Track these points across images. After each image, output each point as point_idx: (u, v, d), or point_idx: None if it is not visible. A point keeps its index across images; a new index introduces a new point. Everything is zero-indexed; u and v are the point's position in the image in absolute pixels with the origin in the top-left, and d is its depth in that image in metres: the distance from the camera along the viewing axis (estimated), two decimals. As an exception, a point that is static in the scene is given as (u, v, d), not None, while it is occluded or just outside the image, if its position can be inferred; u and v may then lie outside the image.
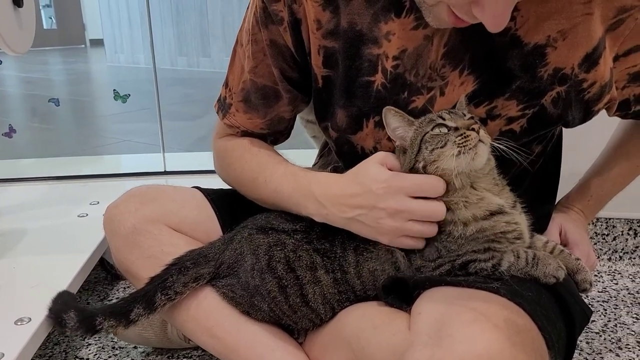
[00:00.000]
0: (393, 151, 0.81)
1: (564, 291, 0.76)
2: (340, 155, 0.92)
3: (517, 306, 0.66)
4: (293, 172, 0.86)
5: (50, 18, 9.71)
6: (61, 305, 0.91)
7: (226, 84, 0.95)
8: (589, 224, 1.51)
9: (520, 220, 0.78)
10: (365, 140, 0.86)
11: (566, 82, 0.77)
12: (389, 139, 0.81)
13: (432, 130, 0.75)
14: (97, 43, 8.81)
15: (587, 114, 0.81)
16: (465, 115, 0.76)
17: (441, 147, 0.73)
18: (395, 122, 0.78)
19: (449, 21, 0.70)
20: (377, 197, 0.75)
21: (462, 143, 0.72)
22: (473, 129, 0.72)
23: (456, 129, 0.74)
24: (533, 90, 0.77)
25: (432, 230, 0.75)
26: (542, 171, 0.92)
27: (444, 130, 0.74)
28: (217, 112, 0.97)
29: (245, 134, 0.96)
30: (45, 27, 9.56)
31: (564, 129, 0.90)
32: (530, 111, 0.79)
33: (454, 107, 0.79)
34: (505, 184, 0.80)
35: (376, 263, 0.79)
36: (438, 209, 0.74)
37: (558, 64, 0.76)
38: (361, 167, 0.79)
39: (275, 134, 0.97)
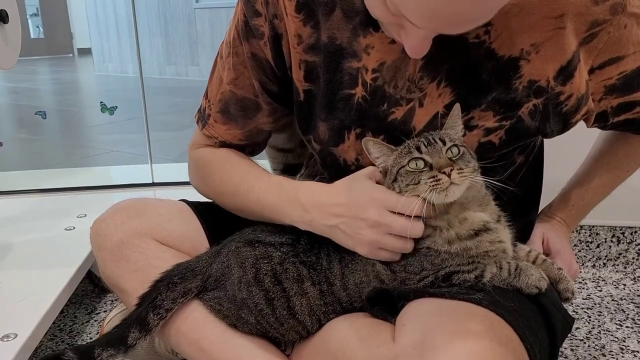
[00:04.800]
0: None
1: (546, 301, 0.77)
2: (325, 167, 0.93)
3: (499, 317, 0.67)
4: (277, 181, 0.87)
5: (38, 27, 9.64)
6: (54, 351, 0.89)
7: (206, 95, 0.96)
8: (573, 232, 1.52)
9: (504, 235, 0.79)
10: (347, 153, 0.87)
11: (542, 95, 0.78)
12: None
13: (408, 164, 0.75)
14: (85, 52, 8.76)
15: (565, 126, 0.83)
16: (445, 144, 0.75)
17: (414, 184, 0.74)
18: (375, 151, 0.80)
19: (393, 34, 0.73)
20: (360, 208, 0.76)
21: (433, 186, 0.73)
22: (444, 173, 0.72)
23: (431, 167, 0.74)
24: (509, 102, 0.79)
25: (407, 246, 0.77)
26: (524, 181, 0.94)
27: (420, 164, 0.75)
28: (197, 122, 0.98)
29: (223, 144, 0.97)
30: (32, 36, 9.48)
31: (544, 139, 0.92)
32: (507, 122, 0.80)
33: (441, 117, 0.80)
34: (491, 198, 0.81)
35: (361, 275, 0.79)
36: (416, 227, 0.75)
37: (532, 77, 0.78)
38: (350, 178, 0.81)
39: (253, 145, 0.98)
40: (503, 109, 0.79)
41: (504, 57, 0.77)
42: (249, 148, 0.98)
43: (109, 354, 0.83)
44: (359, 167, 0.87)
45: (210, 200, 1.01)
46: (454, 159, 0.74)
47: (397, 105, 0.82)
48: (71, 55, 9.90)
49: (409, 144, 0.78)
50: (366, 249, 0.77)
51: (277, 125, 0.98)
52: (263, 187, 0.87)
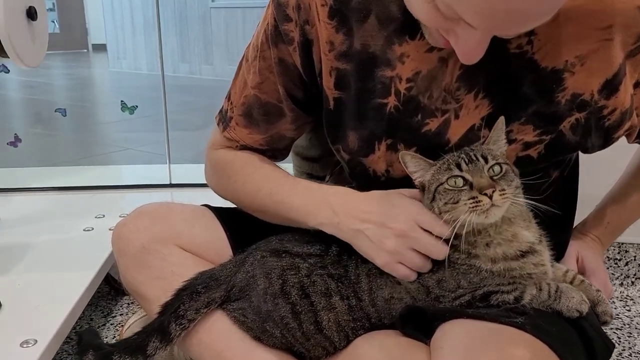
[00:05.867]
0: (407, 174, 0.80)
1: (587, 325, 0.74)
2: (353, 177, 0.91)
3: (544, 344, 0.64)
4: (303, 184, 0.87)
5: (53, 22, 9.71)
6: (83, 346, 0.89)
7: (229, 97, 0.94)
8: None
9: (546, 257, 0.76)
10: (377, 164, 0.85)
11: (586, 109, 0.76)
12: None
13: (447, 181, 0.73)
14: (100, 48, 8.80)
15: (606, 141, 0.80)
16: (487, 162, 0.73)
17: (453, 203, 0.72)
18: (412, 165, 0.78)
19: (440, 41, 0.70)
20: (390, 217, 0.75)
21: (473, 207, 0.70)
22: (486, 194, 0.70)
23: (471, 186, 0.72)
24: (550, 116, 0.77)
25: (427, 266, 0.75)
26: (559, 197, 0.91)
27: (460, 182, 0.72)
28: (218, 124, 0.96)
29: (244, 148, 0.95)
30: (48, 31, 9.54)
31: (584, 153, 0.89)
32: (547, 137, 0.78)
33: (477, 129, 0.77)
34: (532, 215, 0.78)
35: (391, 291, 0.77)
36: (440, 248, 0.74)
37: (576, 90, 0.75)
38: (386, 192, 0.80)
39: (273, 151, 0.96)
40: (543, 122, 0.77)
41: (546, 69, 0.75)
42: (269, 153, 0.96)
43: None
44: (389, 178, 0.85)
45: (233, 206, 0.99)
46: (495, 178, 0.72)
47: (431, 116, 0.79)
48: (86, 50, 9.95)
49: (448, 159, 0.75)
50: (385, 259, 0.75)
51: (300, 132, 0.96)
52: (288, 188, 0.86)
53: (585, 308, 0.73)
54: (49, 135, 3.81)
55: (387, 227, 0.75)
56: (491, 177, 0.72)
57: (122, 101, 1.87)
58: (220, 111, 0.96)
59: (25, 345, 0.89)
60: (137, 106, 1.87)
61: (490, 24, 0.61)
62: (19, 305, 1.03)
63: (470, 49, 0.66)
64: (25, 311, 1.01)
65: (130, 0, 7.30)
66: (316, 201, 0.82)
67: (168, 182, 1.82)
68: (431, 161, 0.77)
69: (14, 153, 1.83)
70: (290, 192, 0.86)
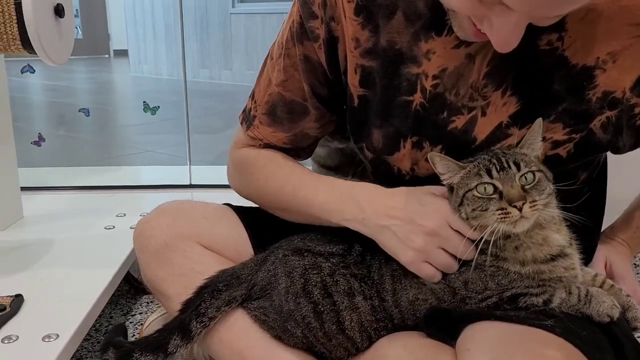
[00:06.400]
0: (432, 173, 0.78)
1: (618, 330, 0.72)
2: (377, 175, 0.90)
3: (575, 348, 0.62)
4: (328, 180, 0.86)
5: (76, 28, 9.89)
6: (104, 343, 0.89)
7: (252, 96, 0.94)
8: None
9: (577, 261, 0.75)
10: (402, 162, 0.83)
11: (617, 107, 0.74)
12: (427, 159, 0.79)
13: (476, 188, 0.71)
14: (121, 54, 8.92)
15: (638, 140, 0.78)
16: (519, 170, 0.70)
17: (481, 211, 0.71)
18: (441, 167, 0.76)
19: (470, 32, 0.69)
20: (420, 214, 0.74)
21: (501, 219, 0.69)
22: (515, 206, 0.68)
23: (501, 195, 0.70)
24: (581, 114, 0.75)
25: (454, 267, 0.74)
26: (588, 200, 0.89)
27: (490, 190, 0.71)
28: (241, 123, 0.96)
29: (268, 146, 0.94)
30: (71, 36, 9.72)
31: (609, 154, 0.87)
32: (577, 135, 0.76)
33: (505, 127, 0.76)
34: (562, 218, 0.76)
35: (415, 292, 0.76)
36: (470, 250, 0.73)
37: (608, 87, 0.74)
38: (414, 188, 0.79)
39: (297, 150, 0.95)
40: (574, 121, 0.75)
41: (577, 66, 0.73)
42: (292, 152, 0.95)
43: (147, 359, 0.81)
44: (413, 177, 0.84)
45: (255, 206, 0.99)
46: (527, 187, 0.70)
47: (458, 113, 0.78)
48: (107, 56, 10.10)
49: (479, 163, 0.73)
50: (411, 257, 0.74)
51: (324, 131, 0.95)
52: (311, 185, 0.85)
53: (616, 313, 0.71)
54: (72, 137, 3.86)
55: (416, 224, 0.74)
56: (522, 187, 0.69)
57: (144, 102, 1.89)
58: (244, 110, 0.96)
59: (47, 340, 0.89)
60: (159, 107, 1.89)
61: (529, 4, 0.59)
62: (41, 300, 1.03)
63: (505, 35, 0.64)
64: (48, 306, 1.01)
65: (151, 7, 7.40)
66: (341, 197, 0.81)
67: (188, 183, 1.83)
68: (461, 163, 0.75)
69: (38, 154, 1.86)
70: (314, 188, 0.85)
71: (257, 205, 0.99)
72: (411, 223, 0.74)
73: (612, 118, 0.75)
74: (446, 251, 0.74)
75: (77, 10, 9.64)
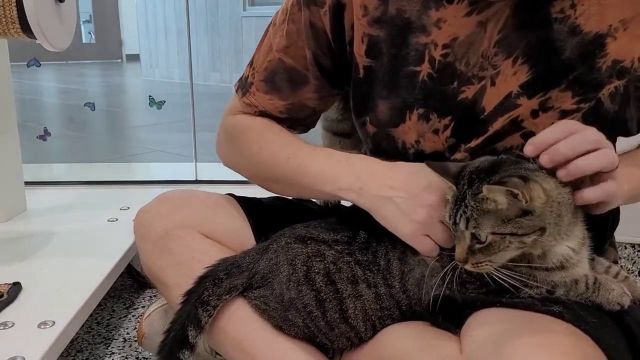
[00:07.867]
0: (436, 150, 0.77)
1: (630, 320, 0.69)
2: (377, 154, 0.87)
3: (585, 334, 0.59)
4: (326, 150, 0.84)
5: (90, 33, 10.00)
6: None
7: (251, 63, 0.92)
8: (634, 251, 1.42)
9: (584, 259, 0.71)
10: (407, 134, 0.81)
11: (625, 76, 0.73)
12: (434, 131, 0.78)
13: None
14: (134, 58, 8.99)
15: None
16: (466, 229, 0.66)
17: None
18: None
19: None
20: (422, 188, 0.73)
21: None
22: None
23: None
24: (590, 82, 0.73)
25: (451, 242, 0.71)
26: None
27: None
28: (237, 91, 0.93)
29: (263, 114, 0.91)
30: (84, 41, 9.83)
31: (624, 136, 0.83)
32: (586, 105, 0.74)
33: (515, 97, 0.73)
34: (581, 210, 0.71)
35: (423, 269, 0.73)
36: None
37: (617, 56, 0.72)
38: (414, 164, 0.77)
39: (292, 121, 0.92)
40: (583, 90, 0.74)
41: (589, 34, 0.72)
42: (288, 122, 0.91)
43: (185, 356, 0.79)
44: (418, 150, 0.81)
45: (258, 196, 0.97)
46: (475, 248, 0.65)
47: (468, 83, 0.77)
48: (120, 60, 10.20)
49: (451, 204, 0.68)
50: (413, 228, 0.72)
51: (322, 105, 0.93)
52: (307, 154, 0.83)
53: (626, 301, 0.68)
54: (81, 136, 3.88)
55: (420, 197, 0.72)
56: (470, 247, 0.65)
57: (150, 96, 1.89)
58: (241, 78, 0.93)
59: (43, 327, 0.88)
60: (164, 101, 1.88)
61: None
62: (39, 289, 1.03)
63: None
64: (46, 294, 1.00)
65: (163, 12, 7.46)
66: (338, 166, 0.80)
67: (194, 179, 1.82)
68: (451, 180, 0.70)
69: (46, 152, 1.86)
70: (310, 156, 0.83)
71: (258, 196, 0.97)
72: (415, 196, 0.73)
73: (620, 88, 0.73)
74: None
75: (90, 16, 9.78)
